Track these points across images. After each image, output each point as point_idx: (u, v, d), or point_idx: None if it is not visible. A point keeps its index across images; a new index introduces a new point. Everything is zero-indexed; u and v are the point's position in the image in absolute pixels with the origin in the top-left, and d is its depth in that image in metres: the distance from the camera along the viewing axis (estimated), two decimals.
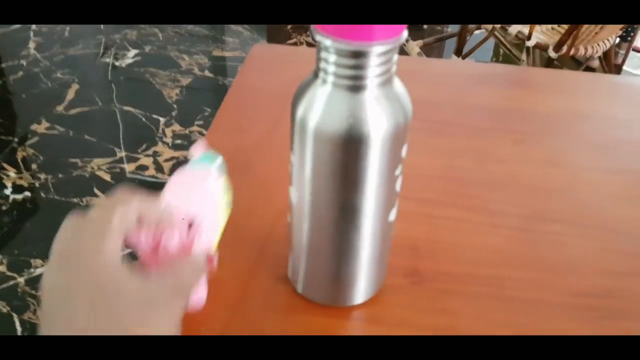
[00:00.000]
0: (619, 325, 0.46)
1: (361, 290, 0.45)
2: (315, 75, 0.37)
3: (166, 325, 0.32)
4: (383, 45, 0.34)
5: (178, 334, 0.33)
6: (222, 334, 0.43)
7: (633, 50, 3.29)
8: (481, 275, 0.50)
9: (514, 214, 0.57)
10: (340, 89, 0.36)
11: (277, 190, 0.54)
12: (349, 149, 0.37)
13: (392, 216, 0.43)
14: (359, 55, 0.34)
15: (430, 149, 0.65)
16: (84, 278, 0.32)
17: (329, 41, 0.34)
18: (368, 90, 0.36)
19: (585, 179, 0.63)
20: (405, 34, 0.35)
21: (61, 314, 0.31)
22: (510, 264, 0.51)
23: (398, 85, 0.38)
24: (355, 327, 0.45)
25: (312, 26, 0.35)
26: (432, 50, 2.77)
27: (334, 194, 0.39)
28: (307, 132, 0.37)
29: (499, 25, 2.08)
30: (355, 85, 0.36)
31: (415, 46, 2.56)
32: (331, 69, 0.35)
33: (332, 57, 0.35)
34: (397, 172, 0.40)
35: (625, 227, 0.56)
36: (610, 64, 2.21)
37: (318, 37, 0.35)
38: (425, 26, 3.18)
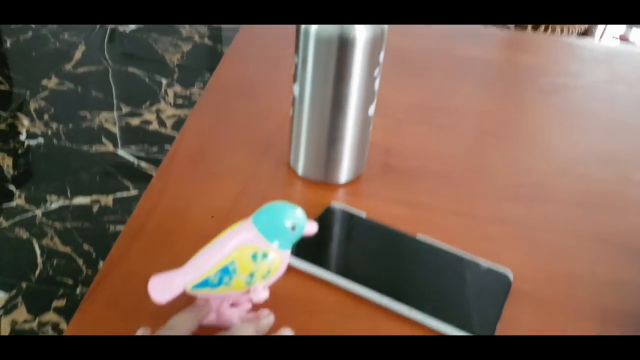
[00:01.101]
0: (542, 206, 0.60)
1: (346, 170, 0.59)
2: None
3: None
4: None
5: None
6: (236, 202, 0.57)
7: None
8: (438, 169, 0.64)
9: (466, 130, 0.71)
10: None
11: (281, 102, 0.68)
12: (340, 50, 0.51)
13: (371, 111, 0.57)
14: None
15: (406, 86, 0.80)
16: None
17: None
18: None
19: (529, 109, 0.77)
20: None
21: None
22: (462, 162, 0.66)
23: None
24: (340, 197, 0.59)
25: None
26: None
27: (328, 88, 0.53)
28: (309, 37, 0.51)
29: None
30: None
31: None
32: None
33: None
34: (376, 73, 0.54)
35: (554, 144, 0.71)
36: None
37: None
38: None
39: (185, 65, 2.31)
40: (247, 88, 0.74)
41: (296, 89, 0.56)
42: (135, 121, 1.95)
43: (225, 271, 0.40)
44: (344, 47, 0.51)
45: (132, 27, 2.55)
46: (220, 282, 0.40)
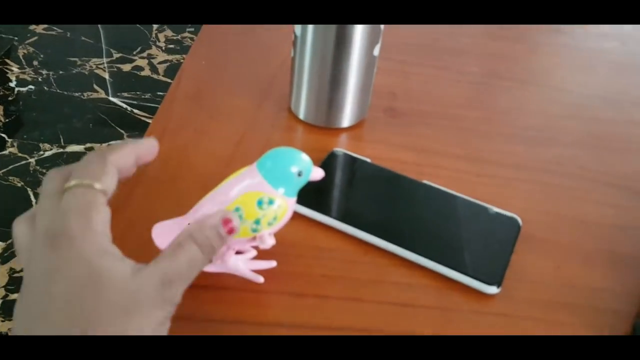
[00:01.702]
0: (550, 149, 0.59)
1: (349, 114, 0.57)
2: None
3: (144, 331, 0.29)
4: None
5: (164, 334, 0.31)
6: (236, 148, 0.55)
7: None
8: (446, 113, 0.62)
9: (476, 73, 0.69)
10: None
11: (281, 42, 0.65)
12: None
13: (376, 51, 0.54)
14: None
15: (411, 25, 0.76)
16: (67, 265, 0.29)
17: None
18: None
19: (538, 49, 0.75)
20: None
21: (37, 305, 0.29)
22: (470, 106, 0.63)
23: None
24: (343, 143, 0.57)
25: None
26: None
27: (331, 26, 0.50)
28: None
29: None
30: None
31: None
32: None
33: None
34: None
35: (561, 85, 0.69)
36: None
37: None
38: None
39: None
40: (245, 28, 0.71)
41: (298, 28, 0.53)
42: (126, 67, 1.90)
43: None
44: None
45: None
46: None
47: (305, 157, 0.40)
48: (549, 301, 0.43)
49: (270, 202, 0.38)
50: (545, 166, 0.56)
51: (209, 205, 0.38)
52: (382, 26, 0.53)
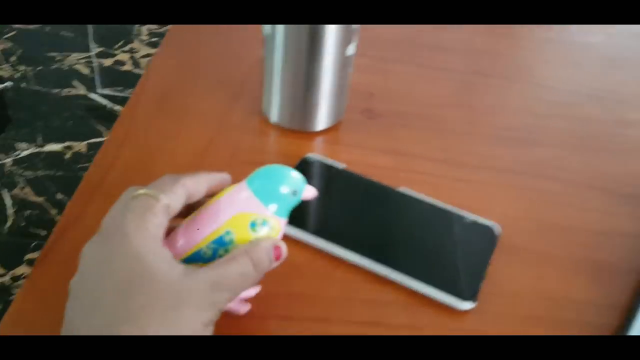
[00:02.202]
0: (533, 151, 0.56)
1: (324, 116, 0.54)
2: None
3: (190, 328, 0.30)
4: None
5: (208, 334, 0.31)
6: (204, 153, 0.52)
7: None
8: (425, 113, 0.60)
9: (458, 70, 0.66)
10: None
11: (254, 42, 0.62)
12: None
13: (351, 50, 0.52)
14: None
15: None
16: (119, 257, 0.30)
17: None
18: None
19: (522, 44, 0.72)
20: None
21: (89, 294, 0.30)
22: (450, 105, 0.61)
23: None
24: (318, 147, 0.54)
25: None
26: None
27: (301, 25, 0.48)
28: None
29: None
30: None
31: None
32: None
33: None
34: None
35: (545, 81, 0.66)
36: None
37: None
38: None
39: None
40: (218, 25, 0.68)
41: (266, 27, 0.50)
42: (108, 62, 1.86)
43: (220, 242, 0.35)
44: None
45: None
46: (214, 256, 0.35)
47: (297, 175, 0.37)
48: (527, 316, 0.41)
49: (264, 223, 0.35)
50: (527, 169, 0.54)
51: (195, 227, 0.35)
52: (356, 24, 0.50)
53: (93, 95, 1.71)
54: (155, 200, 0.33)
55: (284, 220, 0.37)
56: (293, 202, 0.37)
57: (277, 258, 0.35)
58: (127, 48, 1.92)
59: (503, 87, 0.65)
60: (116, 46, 1.92)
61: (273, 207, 0.36)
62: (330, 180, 0.50)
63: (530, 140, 0.58)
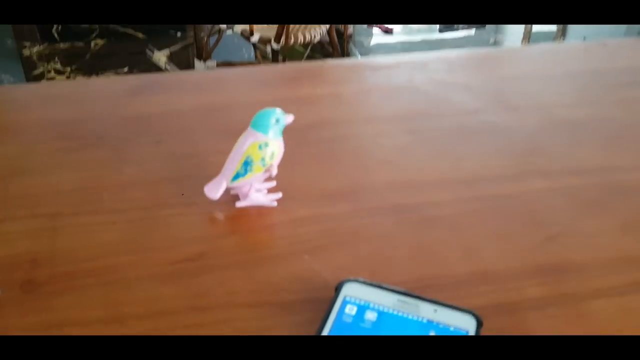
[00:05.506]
0: (210, 277, 0.56)
1: None
2: None
3: None
4: None
5: None
6: None
7: (368, 26, 3.67)
8: (92, 268, 0.57)
9: (130, 208, 0.65)
10: None
11: None
12: None
13: None
14: None
15: (67, 165, 0.71)
16: None
17: None
18: None
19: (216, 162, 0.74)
20: None
21: None
22: (121, 252, 0.59)
23: None
24: None
25: None
26: (180, 57, 2.84)
27: None
28: None
29: (224, 26, 2.21)
30: None
31: (162, 56, 2.61)
32: None
33: None
34: None
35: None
36: (335, 43, 2.48)
37: None
38: (179, 33, 3.24)
39: None
40: None
41: None
42: None
43: (247, 163, 0.62)
44: None
45: None
46: (246, 172, 0.62)
47: (278, 110, 0.62)
48: None
49: (266, 144, 0.61)
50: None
51: (231, 161, 0.62)
52: None
53: None
54: None
55: (280, 139, 0.63)
56: (281, 126, 0.62)
57: None
58: None
59: (178, 214, 0.64)
60: None
61: (270, 133, 0.61)
62: None
63: (204, 267, 0.57)
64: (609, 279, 0.57)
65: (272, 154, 0.62)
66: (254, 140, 0.61)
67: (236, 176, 0.62)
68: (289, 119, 0.62)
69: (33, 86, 0.92)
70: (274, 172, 0.63)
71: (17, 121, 0.80)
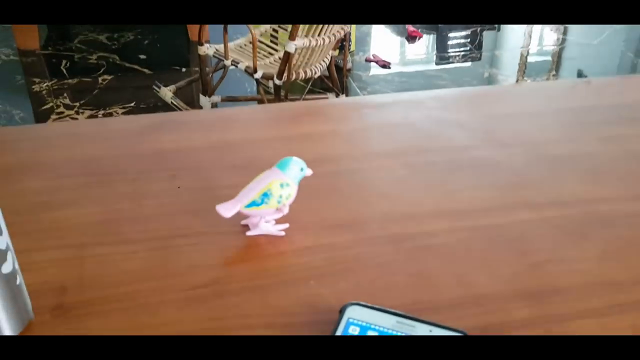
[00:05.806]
0: (224, 302, 0.62)
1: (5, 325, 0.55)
2: None
3: None
4: None
5: None
6: None
7: (366, 61, 3.77)
8: (116, 294, 0.63)
9: (150, 238, 0.71)
10: None
11: None
12: None
13: (6, 269, 0.54)
14: None
15: (90, 199, 0.77)
16: None
17: None
18: None
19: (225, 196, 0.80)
20: None
21: None
22: (142, 279, 0.65)
23: None
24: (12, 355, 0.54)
25: None
26: (185, 92, 2.92)
27: None
28: None
29: (229, 62, 2.30)
30: None
31: (167, 92, 2.69)
32: None
33: None
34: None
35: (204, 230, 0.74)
36: (334, 77, 2.56)
37: None
38: (183, 69, 3.33)
39: None
40: None
41: None
42: None
43: (265, 195, 0.68)
44: None
45: None
46: (262, 202, 0.68)
47: (302, 162, 0.70)
48: None
49: (287, 184, 0.69)
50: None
51: (251, 190, 0.69)
52: (3, 245, 0.53)
53: None
54: None
55: (296, 185, 0.70)
56: (302, 175, 0.70)
57: None
58: None
59: (191, 244, 0.70)
60: None
61: (291, 176, 0.69)
62: None
63: (218, 293, 0.63)
64: (590, 302, 0.62)
65: (289, 195, 0.69)
66: (278, 178, 0.68)
67: (252, 204, 0.68)
68: (309, 172, 0.71)
69: (57, 125, 0.99)
70: (286, 210, 0.70)
71: (45, 158, 0.86)
